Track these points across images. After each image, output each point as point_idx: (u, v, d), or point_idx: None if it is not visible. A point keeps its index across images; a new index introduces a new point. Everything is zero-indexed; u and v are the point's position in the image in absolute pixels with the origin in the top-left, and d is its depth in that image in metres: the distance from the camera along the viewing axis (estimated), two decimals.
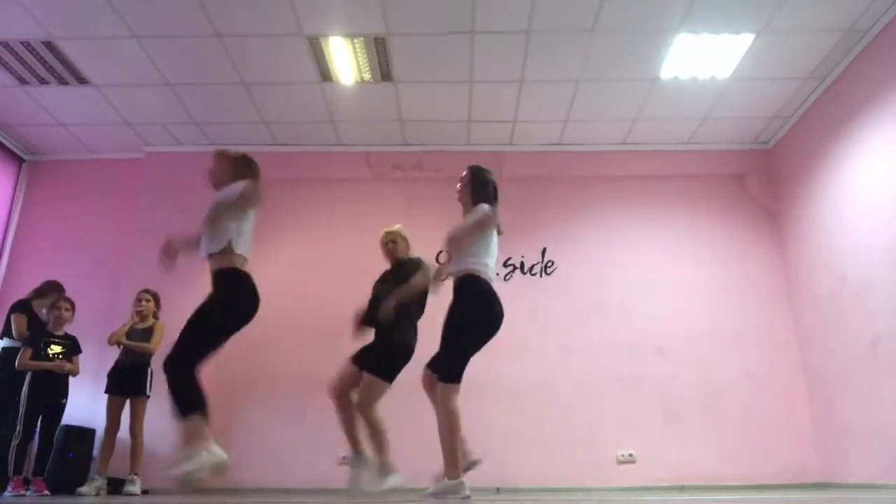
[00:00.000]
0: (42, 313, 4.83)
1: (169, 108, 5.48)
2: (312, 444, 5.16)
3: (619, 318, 5.63)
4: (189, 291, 5.91)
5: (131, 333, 4.73)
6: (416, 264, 3.79)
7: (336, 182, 6.15)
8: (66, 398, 4.55)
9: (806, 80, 5.14)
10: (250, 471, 5.28)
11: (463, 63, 4.93)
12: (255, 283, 2.97)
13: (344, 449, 5.01)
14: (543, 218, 5.95)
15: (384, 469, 3.58)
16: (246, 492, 4.93)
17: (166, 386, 2.78)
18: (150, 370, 4.72)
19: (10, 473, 4.22)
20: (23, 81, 5.11)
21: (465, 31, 4.59)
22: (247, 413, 5.46)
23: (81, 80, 5.11)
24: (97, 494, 4.36)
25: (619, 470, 5.24)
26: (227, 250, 2.92)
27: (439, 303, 3.24)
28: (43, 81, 5.12)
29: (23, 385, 4.38)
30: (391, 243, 3.94)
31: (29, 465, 4.36)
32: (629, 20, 4.48)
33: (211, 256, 2.97)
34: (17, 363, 4.44)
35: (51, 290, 4.92)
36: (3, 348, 4.79)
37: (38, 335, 4.58)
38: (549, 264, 5.84)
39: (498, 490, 4.99)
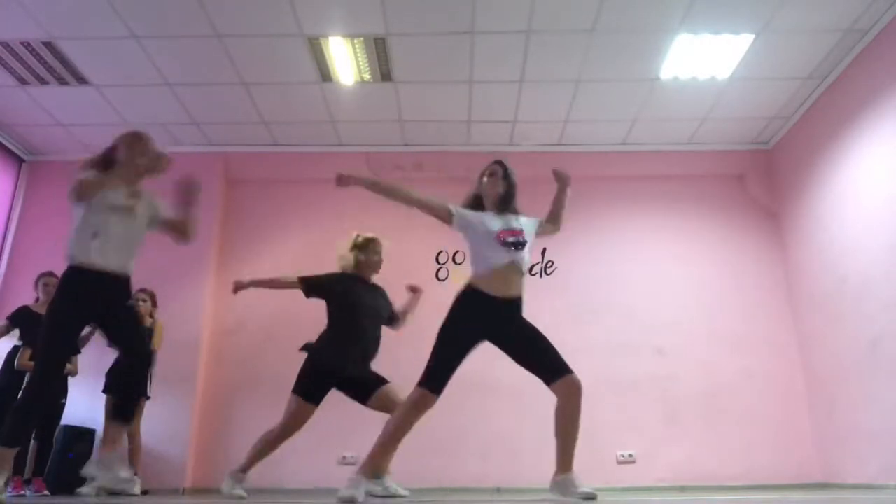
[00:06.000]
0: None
1: (169, 108, 5.47)
2: (312, 444, 5.15)
3: (619, 318, 5.63)
4: (187, 292, 5.93)
5: None
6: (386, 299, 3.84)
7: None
8: (66, 398, 4.55)
9: (806, 80, 5.13)
10: (250, 471, 5.27)
11: (463, 63, 4.92)
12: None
13: (343, 449, 5.02)
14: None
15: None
16: (246, 492, 4.92)
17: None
18: (150, 371, 4.71)
19: (10, 473, 4.21)
20: (23, 81, 5.11)
21: (465, 31, 4.59)
22: (247, 413, 5.45)
23: (81, 80, 5.10)
24: (97, 495, 4.36)
25: (619, 470, 5.24)
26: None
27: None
28: (43, 81, 5.12)
29: (22, 385, 4.37)
30: (377, 256, 3.83)
31: (29, 466, 4.35)
32: (629, 20, 4.48)
33: None
34: (15, 363, 4.44)
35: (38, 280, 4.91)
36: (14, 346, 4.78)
37: (36, 335, 4.57)
38: (549, 265, 5.84)
39: (498, 490, 4.99)
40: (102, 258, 2.92)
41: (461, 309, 2.86)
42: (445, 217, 2.96)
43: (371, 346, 3.67)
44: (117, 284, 2.99)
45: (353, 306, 3.65)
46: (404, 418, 2.75)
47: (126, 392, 3.33)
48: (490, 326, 2.85)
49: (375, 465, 2.80)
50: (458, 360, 2.80)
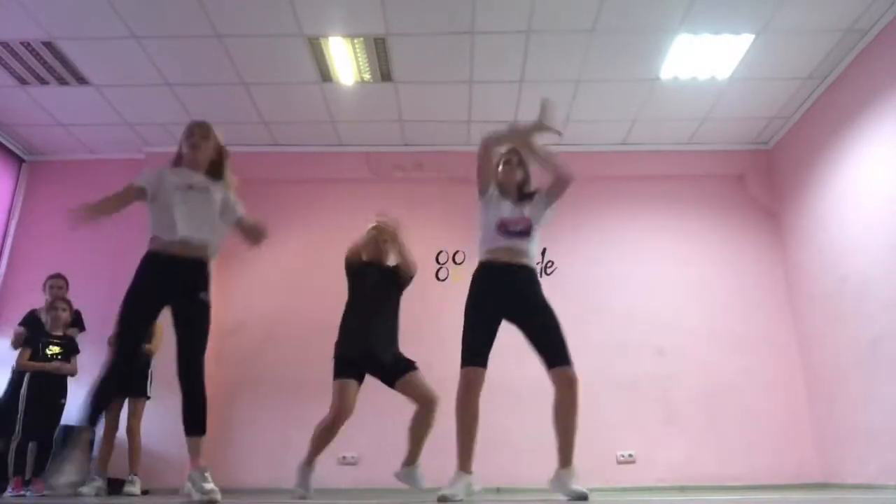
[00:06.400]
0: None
1: (169, 108, 5.47)
2: None
3: (619, 318, 5.63)
4: None
5: None
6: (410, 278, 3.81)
7: (336, 182, 6.15)
8: (65, 398, 4.55)
9: (806, 80, 5.13)
10: (250, 471, 5.27)
11: (463, 63, 4.92)
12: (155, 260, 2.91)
13: (343, 449, 5.01)
14: None
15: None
16: (246, 492, 4.92)
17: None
18: (150, 371, 4.71)
19: (10, 474, 4.22)
20: (23, 81, 5.11)
21: (465, 31, 4.59)
22: (247, 413, 5.45)
23: (81, 80, 5.10)
24: (97, 495, 4.36)
25: (619, 470, 5.24)
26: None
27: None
28: (43, 81, 5.12)
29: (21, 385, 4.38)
30: (384, 243, 3.86)
31: (29, 466, 4.35)
32: (629, 20, 4.48)
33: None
34: (15, 364, 4.45)
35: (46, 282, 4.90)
36: None
37: (37, 336, 4.58)
38: (549, 265, 5.84)
39: (498, 490, 4.99)
40: (187, 228, 2.89)
41: (474, 284, 3.02)
42: (483, 189, 3.10)
43: (384, 332, 3.65)
44: (192, 269, 2.94)
45: (356, 293, 3.75)
46: (461, 403, 2.85)
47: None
48: (502, 293, 2.96)
49: (463, 461, 2.87)
50: (483, 329, 2.93)
